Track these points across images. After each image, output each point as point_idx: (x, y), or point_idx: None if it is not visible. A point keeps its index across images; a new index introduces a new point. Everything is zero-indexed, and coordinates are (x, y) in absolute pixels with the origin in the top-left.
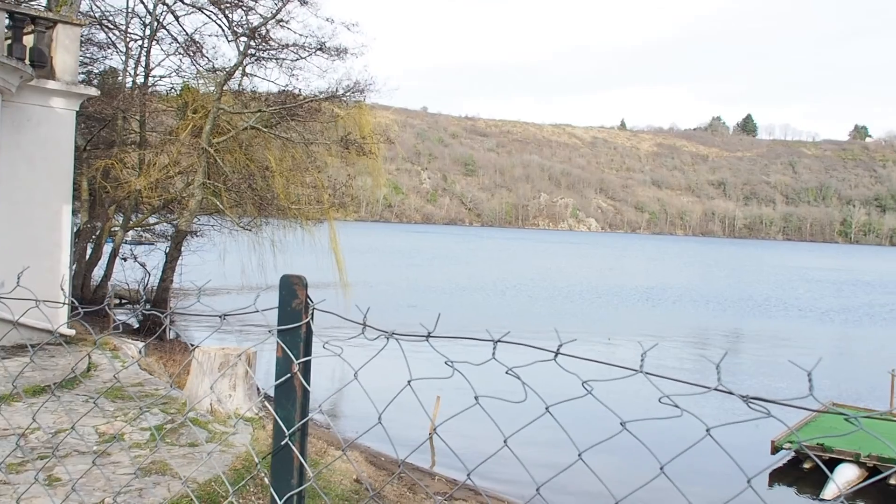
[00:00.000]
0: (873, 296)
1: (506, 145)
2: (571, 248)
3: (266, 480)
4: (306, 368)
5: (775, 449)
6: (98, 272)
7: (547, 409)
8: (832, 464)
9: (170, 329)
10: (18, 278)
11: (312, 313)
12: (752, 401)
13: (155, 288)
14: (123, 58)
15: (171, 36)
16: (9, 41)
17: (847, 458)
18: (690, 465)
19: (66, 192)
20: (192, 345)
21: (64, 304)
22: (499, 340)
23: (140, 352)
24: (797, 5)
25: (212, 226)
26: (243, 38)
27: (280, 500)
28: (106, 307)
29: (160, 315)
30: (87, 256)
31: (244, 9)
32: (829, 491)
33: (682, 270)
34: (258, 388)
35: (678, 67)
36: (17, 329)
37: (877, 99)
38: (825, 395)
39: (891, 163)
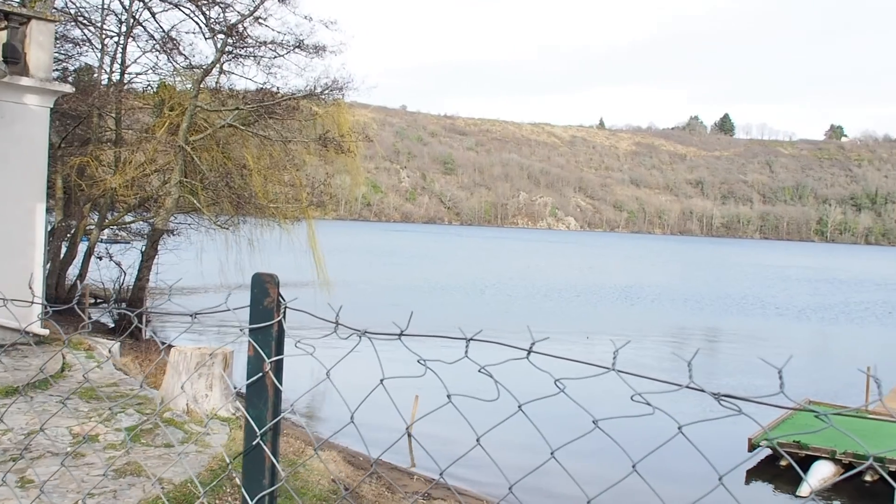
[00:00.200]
0: (849, 294)
1: (485, 144)
2: (550, 246)
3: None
4: (278, 367)
5: (752, 447)
6: (73, 271)
7: (519, 407)
8: (808, 461)
9: (146, 329)
10: None
11: (284, 312)
12: (723, 398)
13: (131, 287)
14: (99, 55)
15: (148, 33)
16: None
17: (823, 456)
18: (668, 464)
19: (40, 190)
20: (163, 343)
21: (32, 303)
22: (471, 339)
23: (110, 351)
24: (774, 6)
25: (189, 224)
26: (220, 36)
27: (251, 500)
28: (76, 306)
29: (130, 314)
30: (62, 255)
31: (221, 6)
32: (805, 488)
33: (660, 269)
34: (231, 387)
35: (656, 67)
36: None
37: (852, 99)
38: (802, 392)
39: (866, 162)
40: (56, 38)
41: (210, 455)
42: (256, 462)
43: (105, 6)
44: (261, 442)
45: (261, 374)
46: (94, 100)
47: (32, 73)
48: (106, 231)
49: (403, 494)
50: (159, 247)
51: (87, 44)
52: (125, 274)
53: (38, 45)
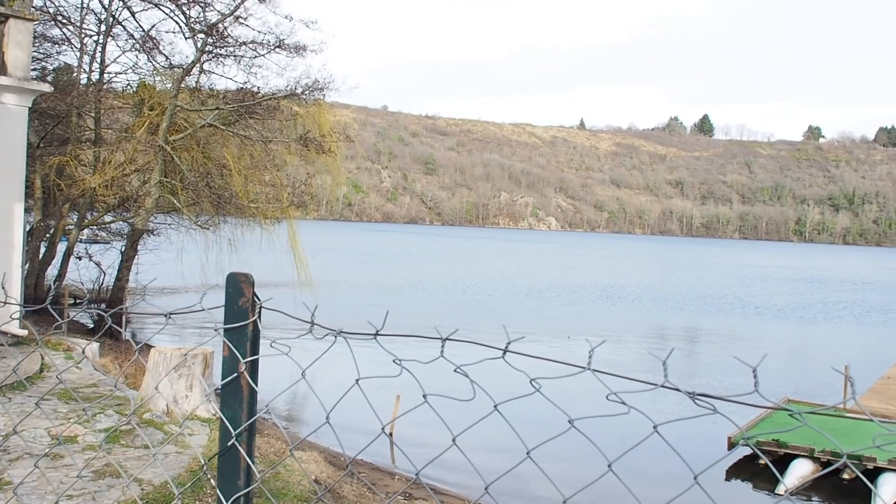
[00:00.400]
0: (827, 293)
1: (466, 144)
2: (531, 246)
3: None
4: (253, 368)
5: (731, 445)
6: (52, 271)
7: (495, 406)
8: (787, 459)
9: (125, 329)
10: None
11: (260, 311)
12: (698, 397)
13: (111, 287)
14: (78, 54)
15: (128, 32)
16: None
17: (801, 454)
18: (648, 464)
19: (18, 190)
20: (138, 343)
21: (6, 303)
22: (447, 338)
23: (84, 352)
24: (752, 8)
25: (169, 224)
26: (201, 35)
27: (226, 501)
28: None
29: (104, 314)
30: (41, 255)
31: (201, 5)
32: (783, 487)
33: (640, 269)
34: (205, 388)
35: (636, 68)
36: None
37: (830, 100)
38: (781, 391)
39: (843, 163)
40: (35, 38)
41: (190, 456)
42: (231, 463)
43: (84, 5)
44: (236, 443)
45: (235, 374)
46: (73, 99)
47: (10, 72)
48: (85, 231)
49: (384, 495)
50: (139, 247)
51: (67, 43)
52: (105, 274)
53: (17, 45)
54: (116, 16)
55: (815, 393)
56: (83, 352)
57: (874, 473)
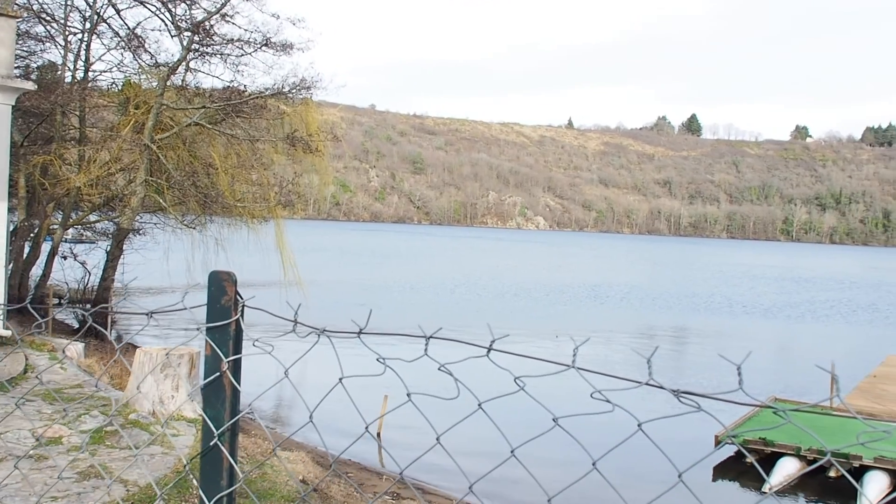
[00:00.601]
0: (814, 292)
1: (454, 143)
2: (520, 246)
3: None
4: (236, 367)
5: (719, 444)
6: (37, 271)
7: (479, 405)
8: (774, 457)
9: (110, 329)
10: None
11: (242, 310)
12: (682, 395)
13: (96, 287)
14: (62, 52)
15: (113, 30)
16: None
17: (788, 452)
18: (636, 462)
19: (1, 190)
20: (123, 344)
21: None
22: (431, 336)
23: (64, 352)
24: (740, 8)
25: (155, 224)
26: (187, 33)
27: (209, 501)
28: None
29: (84, 313)
30: (25, 255)
31: (188, 3)
32: (769, 485)
33: (628, 268)
34: (189, 389)
35: (625, 67)
36: None
37: (817, 100)
38: (770, 389)
39: (830, 163)
40: (18, 35)
41: (176, 456)
42: (214, 463)
43: (68, 3)
44: (218, 442)
45: (218, 373)
46: (57, 97)
47: None
48: (70, 230)
49: (371, 495)
50: (125, 246)
51: (51, 40)
52: (90, 274)
53: None
54: (101, 13)
55: (803, 391)
56: (63, 351)
57: (860, 471)
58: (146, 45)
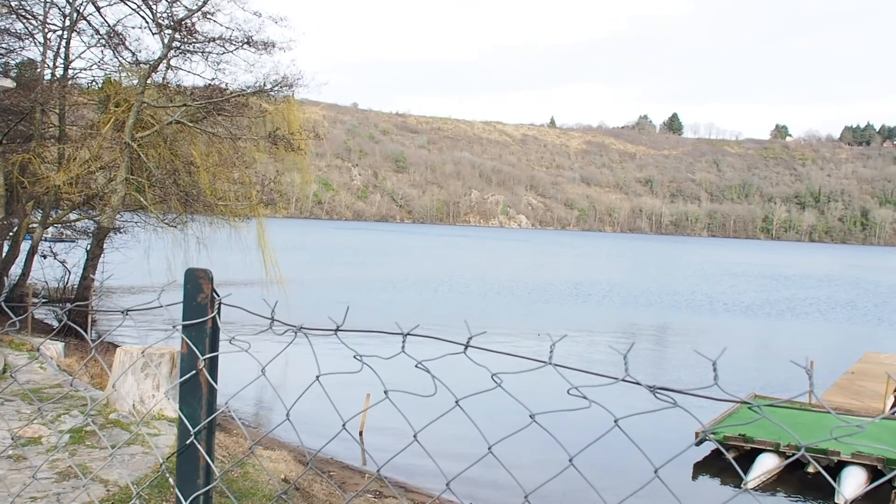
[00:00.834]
0: (794, 290)
1: (437, 142)
2: (502, 244)
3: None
4: (212, 365)
5: (699, 440)
6: (16, 270)
7: (457, 402)
8: (754, 453)
9: (91, 329)
10: None
11: (219, 308)
12: (658, 391)
13: (76, 286)
14: (42, 49)
15: (93, 27)
16: None
17: (768, 448)
18: (616, 458)
19: None
20: (104, 343)
21: None
22: (408, 333)
23: (38, 350)
24: (721, 9)
25: (135, 222)
26: (168, 31)
27: (185, 500)
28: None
29: (58, 311)
30: (4, 254)
31: (168, 0)
32: (749, 481)
33: (610, 266)
34: (160, 387)
35: (607, 67)
36: None
37: (797, 100)
38: (750, 386)
39: (810, 161)
40: None
41: (157, 456)
42: (191, 462)
43: None
44: (195, 441)
45: (194, 371)
46: (36, 95)
47: None
48: (50, 229)
49: (354, 493)
50: (105, 245)
51: (30, 38)
52: (70, 273)
53: None
54: (81, 10)
55: (784, 388)
56: (38, 350)
57: (839, 467)
58: (127, 43)
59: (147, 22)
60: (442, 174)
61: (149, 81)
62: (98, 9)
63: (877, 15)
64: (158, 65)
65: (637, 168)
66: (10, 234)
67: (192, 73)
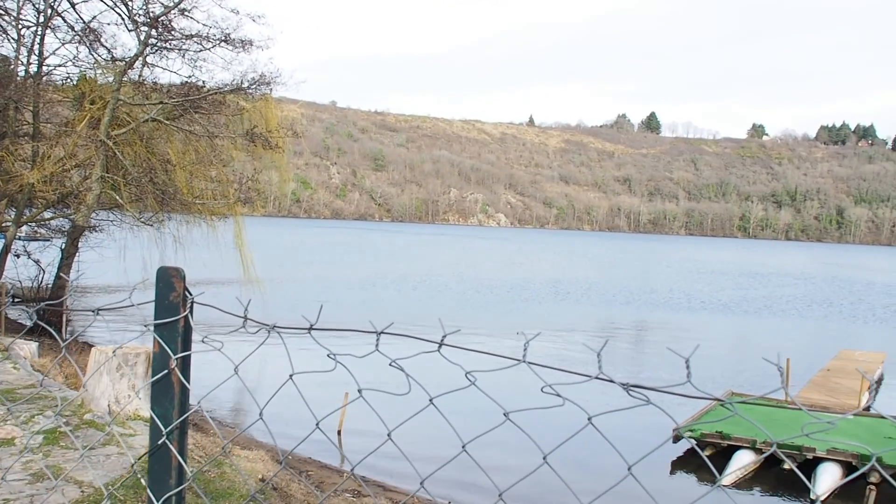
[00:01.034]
0: (771, 288)
1: (415, 140)
2: (481, 243)
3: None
4: (185, 364)
5: (676, 438)
6: None
7: (431, 400)
8: (731, 450)
9: (66, 328)
10: None
11: (191, 307)
12: (631, 389)
13: (50, 285)
14: (15, 45)
15: (67, 24)
16: None
17: (744, 445)
18: (592, 456)
19: None
20: (77, 342)
21: None
22: (382, 332)
23: (8, 349)
24: (696, 7)
25: (111, 221)
26: (144, 28)
27: (157, 501)
28: None
29: (27, 310)
30: None
31: None
32: (725, 478)
33: (589, 264)
34: (128, 387)
35: (585, 65)
36: None
37: (773, 99)
38: (728, 383)
39: (786, 160)
40: None
41: (133, 456)
42: (163, 462)
43: None
44: (167, 441)
45: (166, 371)
46: (10, 92)
47: None
48: (24, 228)
49: (333, 493)
50: (80, 244)
51: (3, 33)
52: (44, 272)
53: None
54: (55, 6)
55: (761, 385)
56: (8, 349)
57: (814, 463)
58: (102, 40)
59: (123, 18)
60: (421, 172)
61: (125, 79)
62: (73, 5)
63: (852, 16)
64: (134, 62)
65: (615, 167)
66: None
67: (168, 70)
